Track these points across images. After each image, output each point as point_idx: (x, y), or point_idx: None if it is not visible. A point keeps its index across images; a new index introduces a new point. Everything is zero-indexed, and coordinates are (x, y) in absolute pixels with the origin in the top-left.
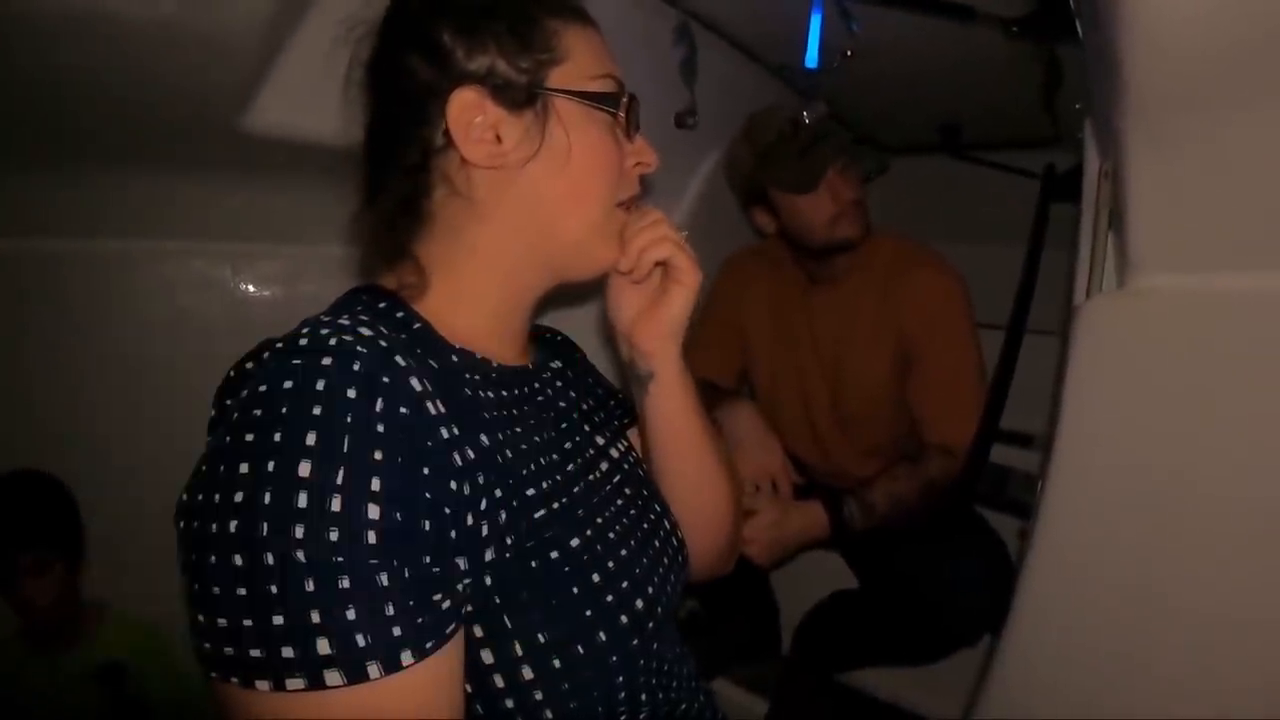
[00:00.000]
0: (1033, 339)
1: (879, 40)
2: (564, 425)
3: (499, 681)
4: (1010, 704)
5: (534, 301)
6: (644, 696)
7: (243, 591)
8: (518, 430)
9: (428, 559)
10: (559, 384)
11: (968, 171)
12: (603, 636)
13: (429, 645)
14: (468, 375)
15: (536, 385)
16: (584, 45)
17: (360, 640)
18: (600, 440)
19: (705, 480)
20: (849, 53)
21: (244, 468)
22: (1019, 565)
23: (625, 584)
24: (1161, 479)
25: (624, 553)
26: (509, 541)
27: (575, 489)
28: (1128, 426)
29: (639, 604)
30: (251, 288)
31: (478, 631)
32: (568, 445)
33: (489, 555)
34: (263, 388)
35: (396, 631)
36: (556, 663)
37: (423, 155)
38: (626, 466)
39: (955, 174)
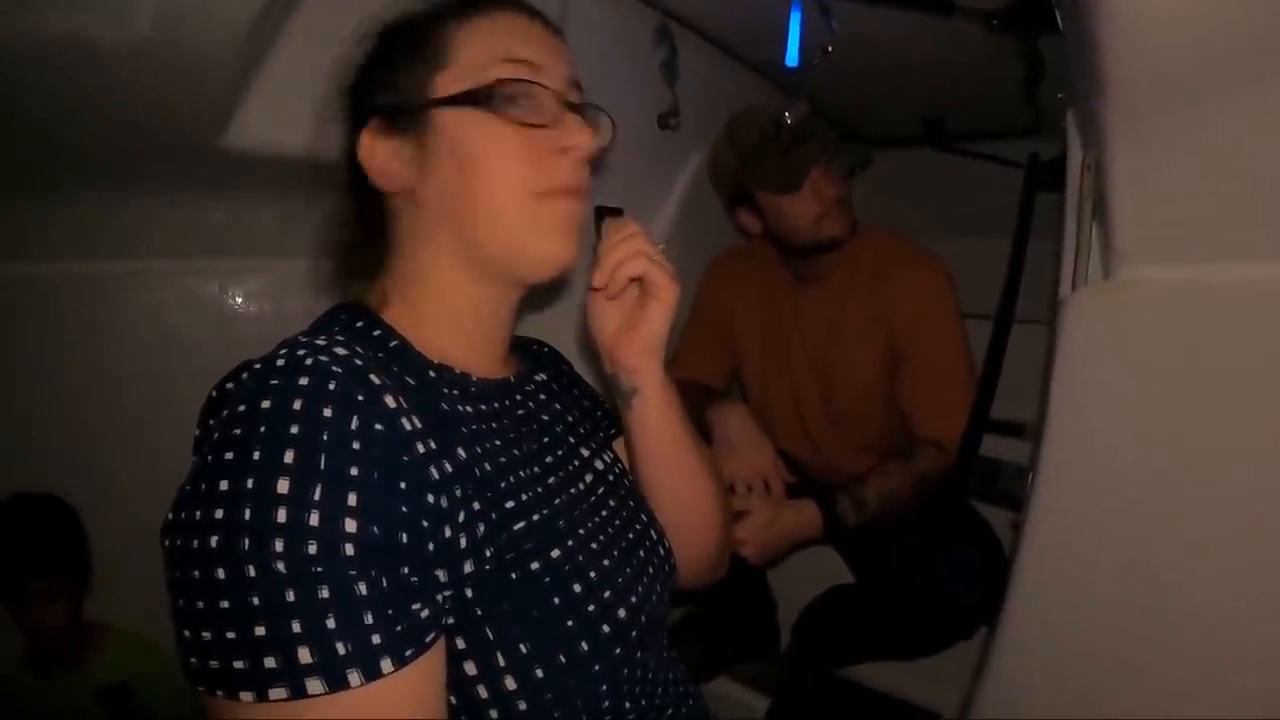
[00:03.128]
0: (1024, 329)
1: (860, 35)
2: (546, 439)
3: (483, 693)
4: (1008, 693)
5: (504, 312)
6: (628, 704)
7: (225, 604)
8: (497, 443)
9: (406, 569)
10: (542, 396)
11: (953, 163)
12: (585, 646)
13: (408, 653)
14: (446, 390)
15: (519, 398)
16: (475, 38)
17: (340, 648)
18: (585, 452)
19: (692, 490)
20: (829, 48)
21: (224, 485)
22: (1012, 557)
23: (608, 593)
24: (1150, 468)
25: (606, 563)
26: (488, 553)
27: (557, 501)
28: (1116, 417)
29: (621, 613)
30: (240, 303)
31: (460, 644)
32: (549, 459)
33: (468, 567)
34: (242, 408)
35: (376, 639)
36: (539, 673)
37: (369, 187)
38: (612, 478)
39: (941, 166)
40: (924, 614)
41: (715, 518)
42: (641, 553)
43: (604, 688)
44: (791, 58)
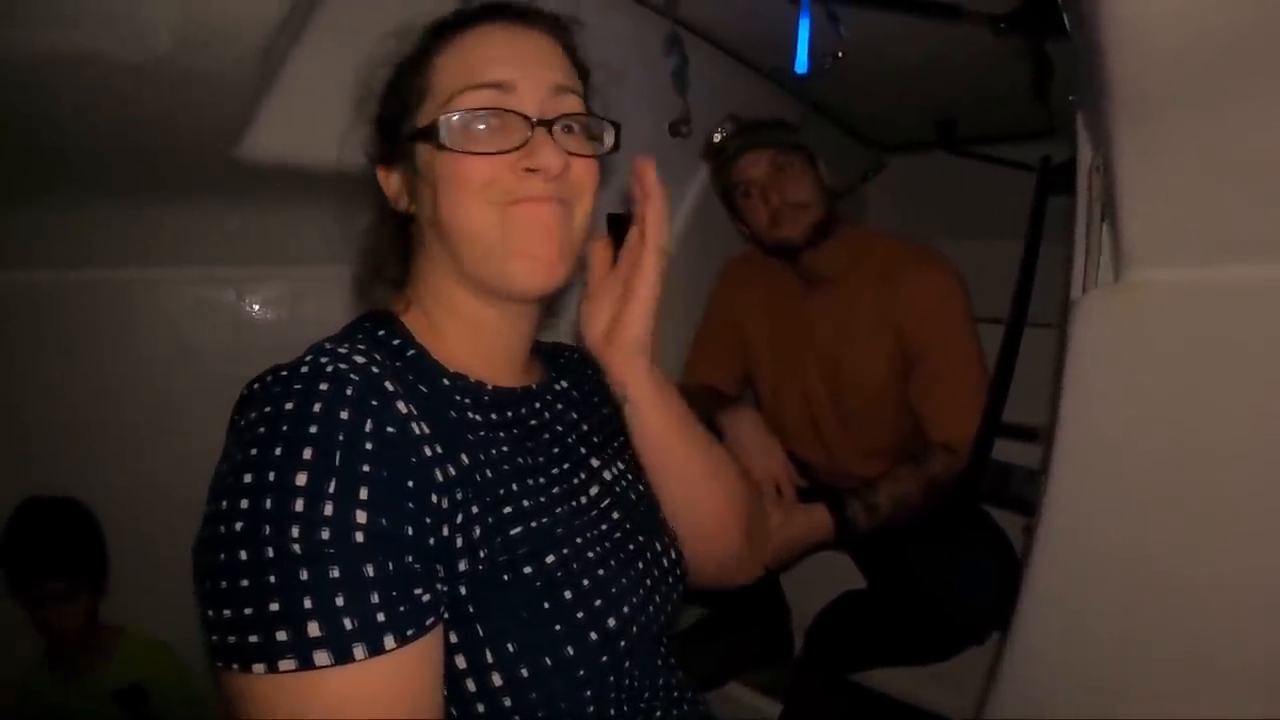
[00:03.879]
0: (1037, 333)
1: (871, 40)
2: (556, 449)
3: (471, 686)
4: (1021, 698)
5: (519, 325)
6: (613, 711)
7: (245, 583)
8: (503, 450)
9: (410, 558)
10: (559, 406)
11: (966, 167)
12: (571, 650)
13: (409, 632)
14: (457, 398)
15: (537, 406)
16: (449, 64)
17: (347, 623)
18: (595, 463)
19: (707, 495)
20: (839, 54)
21: (248, 477)
22: (1024, 561)
23: (599, 602)
24: (1161, 470)
25: (601, 572)
26: (482, 554)
27: (558, 510)
28: (1127, 420)
29: (611, 622)
30: (254, 310)
31: (452, 638)
32: (555, 469)
33: (462, 566)
34: (268, 409)
35: (380, 617)
36: (524, 672)
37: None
38: (620, 489)
39: (954, 170)
40: (936, 619)
41: (730, 518)
42: (641, 565)
43: (588, 692)
44: (800, 64)
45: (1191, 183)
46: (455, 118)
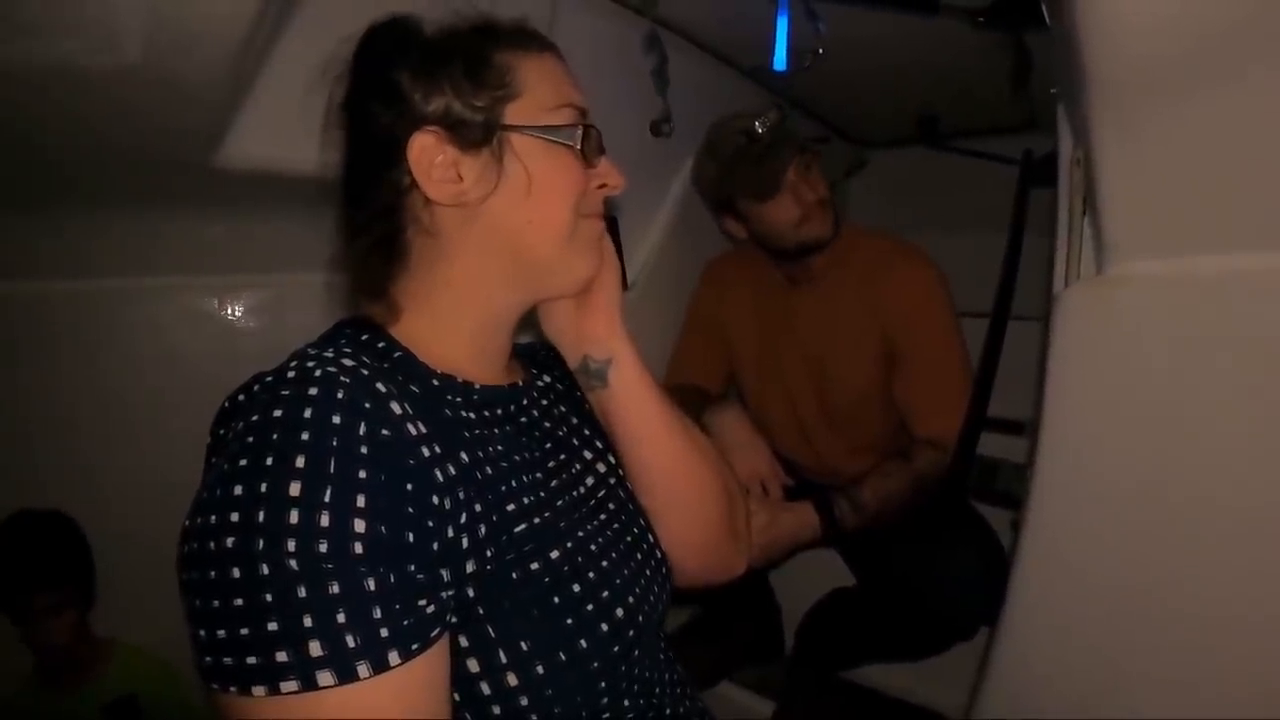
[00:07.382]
0: (1024, 326)
1: (851, 37)
2: (549, 444)
3: (485, 689)
4: (1011, 693)
5: (513, 322)
6: (626, 703)
7: (240, 602)
8: (499, 448)
9: (412, 567)
10: (545, 402)
11: (948, 162)
12: (584, 644)
13: (415, 646)
14: (449, 398)
15: (524, 403)
16: (541, 76)
17: (350, 641)
18: (588, 455)
19: (680, 466)
20: (819, 51)
21: (238, 490)
22: (1012, 556)
23: (606, 594)
24: (1147, 464)
25: (605, 564)
26: (489, 554)
27: (558, 504)
28: (1111, 413)
29: (619, 612)
30: (239, 318)
31: (463, 641)
32: (551, 464)
33: (470, 567)
34: (255, 417)
35: (384, 633)
36: (540, 669)
37: (392, 196)
38: (613, 480)
39: (936, 165)
40: (925, 615)
41: (713, 501)
42: (639, 556)
43: (602, 684)
44: (779, 62)
45: (1172, 173)
46: (577, 128)
